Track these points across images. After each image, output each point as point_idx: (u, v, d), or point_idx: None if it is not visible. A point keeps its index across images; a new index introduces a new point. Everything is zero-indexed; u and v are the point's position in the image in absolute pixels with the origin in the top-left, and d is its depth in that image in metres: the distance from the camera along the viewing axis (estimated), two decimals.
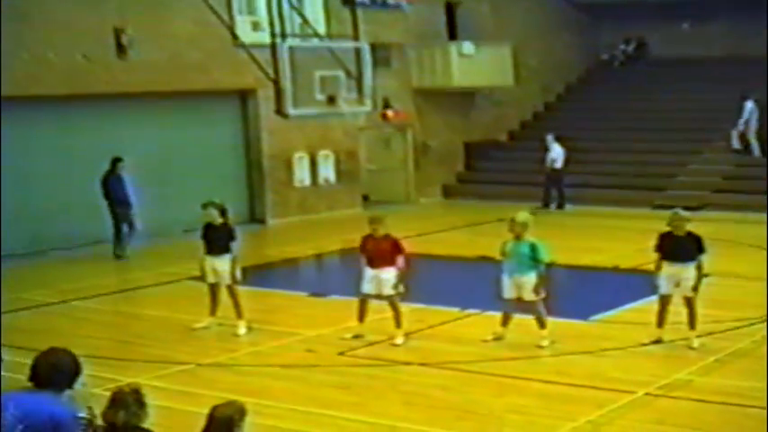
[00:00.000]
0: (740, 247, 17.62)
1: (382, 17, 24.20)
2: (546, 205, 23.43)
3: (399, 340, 11.84)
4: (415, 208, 25.21)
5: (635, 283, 14.22)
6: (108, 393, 5.36)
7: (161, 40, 20.36)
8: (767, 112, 24.28)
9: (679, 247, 11.26)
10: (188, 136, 21.57)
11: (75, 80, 19.19)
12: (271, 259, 18.28)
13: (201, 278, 12.90)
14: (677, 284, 11.32)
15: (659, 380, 10.13)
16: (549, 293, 11.63)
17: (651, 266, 11.84)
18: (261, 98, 21.68)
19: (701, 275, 11.27)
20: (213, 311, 12.83)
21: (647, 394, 9.76)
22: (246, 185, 23.11)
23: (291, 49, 15.91)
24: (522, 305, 11.65)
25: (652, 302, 11.90)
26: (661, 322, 11.48)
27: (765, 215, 19.84)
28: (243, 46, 17.45)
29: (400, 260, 11.79)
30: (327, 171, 24.06)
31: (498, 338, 11.78)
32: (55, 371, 5.34)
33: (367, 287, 11.92)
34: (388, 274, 11.79)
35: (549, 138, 24.05)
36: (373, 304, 12.10)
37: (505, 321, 11.80)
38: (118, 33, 19.71)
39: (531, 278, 11.45)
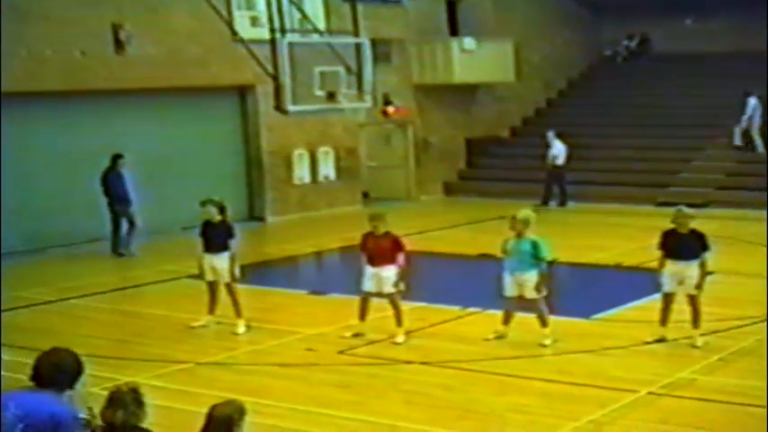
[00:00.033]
0: (744, 245, 17.63)
1: (383, 12, 24.19)
2: (545, 203, 23.42)
3: (400, 339, 11.84)
4: (415, 205, 25.21)
5: (638, 281, 14.23)
6: (106, 392, 5.36)
7: (159, 35, 20.36)
8: None
9: (683, 245, 11.26)
10: (186, 132, 21.55)
11: (73, 76, 19.19)
12: (270, 257, 18.29)
13: (200, 276, 12.90)
14: (681, 282, 11.32)
15: (662, 379, 10.13)
16: (550, 291, 11.64)
17: (654, 264, 11.84)
18: (260, 94, 21.66)
19: (704, 273, 11.27)
20: (212, 310, 12.83)
21: (649, 393, 9.76)
22: (245, 182, 23.11)
23: (291, 44, 15.88)
24: (523, 303, 11.66)
25: (655, 300, 11.90)
26: (664, 320, 11.49)
27: (766, 212, 19.85)
28: (242, 41, 17.42)
29: (401, 258, 11.79)
30: (327, 168, 24.06)
31: (500, 337, 11.78)
32: (57, 371, 5.36)
33: (368, 285, 11.92)
34: (389, 272, 11.79)
35: (551, 134, 24.05)
36: (374, 302, 12.10)
37: (507, 320, 11.80)
38: (116, 29, 19.71)
39: (532, 276, 11.45)
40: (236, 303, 12.62)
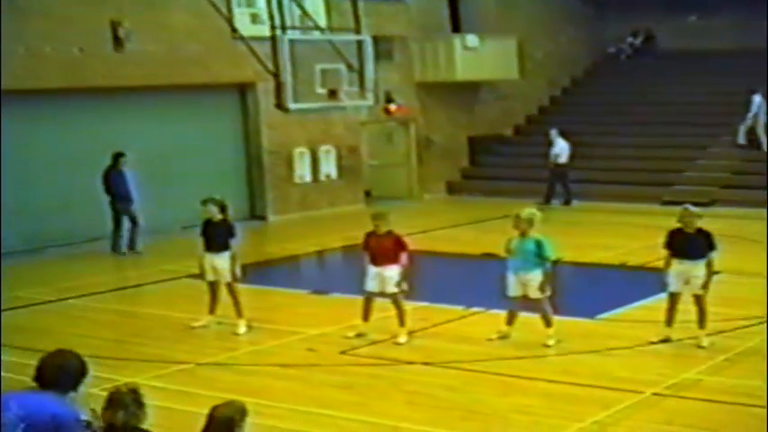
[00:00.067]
0: (750, 244, 17.61)
1: (384, 9, 24.19)
2: (547, 201, 23.39)
3: (402, 339, 11.84)
4: (418, 204, 25.21)
5: (643, 281, 14.24)
6: (105, 393, 5.37)
7: (158, 33, 20.36)
8: None
9: (689, 244, 11.25)
10: (186, 131, 21.56)
11: (72, 74, 19.19)
12: (271, 256, 18.29)
13: (200, 276, 12.90)
14: (687, 282, 11.31)
15: (667, 379, 10.13)
16: (555, 291, 11.63)
17: (659, 263, 11.84)
18: (260, 92, 21.68)
19: (711, 273, 11.26)
20: (212, 310, 12.83)
21: (654, 394, 9.75)
22: (246, 181, 23.11)
23: (291, 41, 15.89)
24: (527, 303, 11.65)
25: (660, 300, 11.90)
26: (670, 320, 11.48)
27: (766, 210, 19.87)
28: (242, 39, 17.43)
29: (403, 257, 11.78)
30: (329, 166, 24.06)
31: (503, 337, 11.78)
32: (60, 372, 5.39)
33: (370, 285, 11.92)
34: (391, 272, 11.79)
35: (553, 132, 24.04)
36: (376, 302, 12.10)
37: (511, 320, 11.80)
38: (114, 26, 19.71)
39: (536, 276, 11.45)
40: (236, 303, 12.62)
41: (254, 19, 20.25)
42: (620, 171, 25.02)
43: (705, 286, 11.23)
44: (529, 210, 11.84)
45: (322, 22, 20.56)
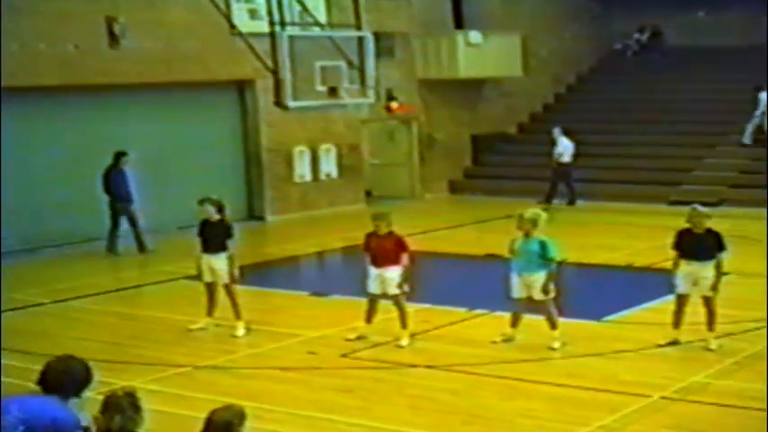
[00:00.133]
0: (759, 245, 17.57)
1: (385, 5, 24.18)
2: (549, 200, 23.35)
3: (405, 341, 11.84)
4: (420, 204, 25.22)
5: (650, 282, 14.25)
6: (102, 397, 5.37)
7: (154, 29, 20.36)
8: None
9: (698, 245, 11.25)
10: (183, 129, 21.57)
11: (67, 71, 19.19)
12: (270, 257, 18.29)
13: (198, 277, 12.91)
14: (695, 283, 11.31)
15: (675, 383, 10.13)
16: (560, 293, 11.63)
17: (666, 264, 11.86)
18: (259, 89, 21.67)
19: (720, 274, 11.26)
20: (210, 312, 12.83)
21: (662, 398, 9.76)
22: (245, 180, 23.11)
23: (291, 38, 15.88)
24: (532, 305, 11.66)
25: (668, 302, 11.90)
26: (677, 323, 11.48)
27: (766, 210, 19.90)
28: (240, 35, 17.42)
29: (405, 258, 11.78)
30: (329, 165, 24.06)
31: (507, 340, 11.78)
32: (65, 377, 5.44)
33: (372, 287, 11.92)
34: (393, 273, 11.78)
35: (557, 131, 24.03)
36: (378, 304, 12.10)
37: (515, 322, 11.80)
38: (110, 22, 19.71)
39: (540, 277, 11.45)
40: (235, 305, 12.62)
41: (253, 15, 20.26)
42: (626, 170, 25.02)
43: (715, 288, 11.23)
44: (533, 210, 11.86)
45: (322, 18, 20.59)
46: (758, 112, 24.41)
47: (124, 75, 19.84)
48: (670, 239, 11.62)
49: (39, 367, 5.62)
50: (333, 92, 16.43)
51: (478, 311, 13.24)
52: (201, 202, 12.75)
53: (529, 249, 11.46)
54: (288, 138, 23.15)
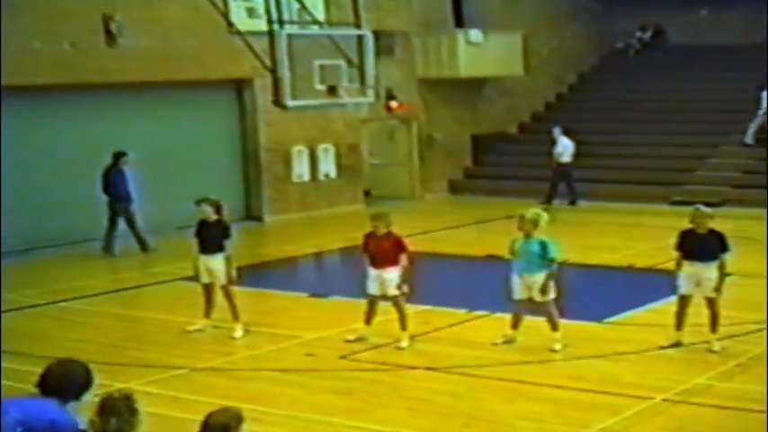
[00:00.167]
0: (762, 245, 17.57)
1: (385, 3, 24.19)
2: (549, 201, 23.35)
3: (404, 343, 11.84)
4: (420, 204, 25.22)
5: (652, 283, 14.25)
6: (98, 399, 5.37)
7: (152, 27, 20.35)
8: None
9: (701, 246, 11.26)
10: (181, 128, 21.57)
11: (63, 69, 19.18)
12: (268, 258, 18.29)
13: (195, 278, 12.90)
14: (698, 284, 11.31)
15: (678, 385, 10.13)
16: (560, 294, 11.62)
17: (668, 265, 11.86)
18: (257, 88, 21.67)
19: (723, 275, 11.26)
20: (208, 313, 12.83)
21: (664, 400, 9.76)
22: (242, 180, 23.11)
23: (289, 36, 15.89)
24: (532, 306, 11.65)
25: (670, 303, 11.90)
26: (680, 324, 11.48)
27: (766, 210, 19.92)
28: (238, 33, 17.43)
29: (403, 259, 11.78)
30: (328, 165, 24.05)
31: (508, 341, 11.78)
32: (65, 380, 5.46)
33: (371, 288, 11.93)
34: (391, 274, 11.78)
35: (556, 131, 24.03)
36: (378, 305, 12.10)
37: (516, 323, 11.80)
38: (106, 20, 19.71)
39: (541, 278, 11.45)
40: (233, 306, 12.62)
41: (251, 13, 20.25)
42: (628, 170, 25.01)
43: (718, 289, 11.23)
44: (534, 210, 11.86)
45: (321, 17, 20.60)
46: (761, 112, 24.41)
47: (121, 73, 19.83)
48: (672, 240, 11.62)
49: (35, 369, 5.62)
50: (332, 91, 16.44)
51: (479, 313, 13.24)
52: (199, 202, 12.75)
53: (529, 250, 11.46)
54: (286, 137, 23.15)
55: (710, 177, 24.10)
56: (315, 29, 18.51)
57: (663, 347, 11.43)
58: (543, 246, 11.43)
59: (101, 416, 5.23)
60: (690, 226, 11.44)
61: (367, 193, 25.16)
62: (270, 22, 15.94)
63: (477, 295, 14.05)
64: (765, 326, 12.01)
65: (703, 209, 11.52)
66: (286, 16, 16.52)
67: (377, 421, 9.43)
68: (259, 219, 22.93)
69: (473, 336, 12.30)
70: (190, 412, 8.49)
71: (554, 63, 29.25)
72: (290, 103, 15.99)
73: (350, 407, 9.87)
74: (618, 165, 25.35)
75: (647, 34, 30.80)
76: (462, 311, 13.33)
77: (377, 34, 18.99)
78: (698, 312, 11.47)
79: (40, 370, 5.62)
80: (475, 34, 25.90)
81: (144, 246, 18.58)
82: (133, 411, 5.28)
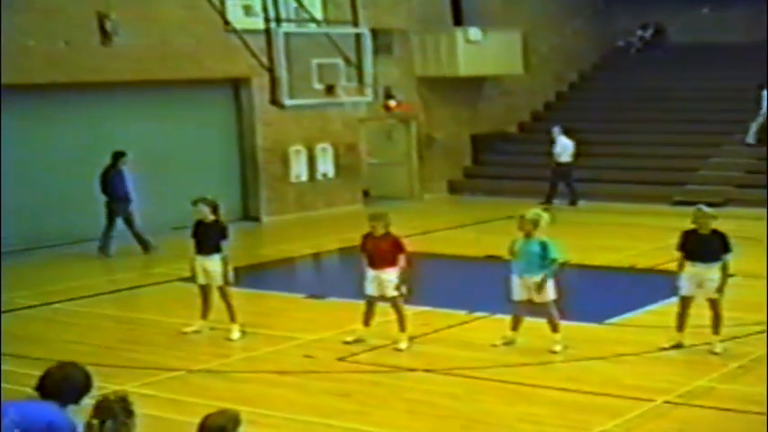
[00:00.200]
0: (764, 246, 17.59)
1: (383, 1, 24.21)
2: (549, 201, 23.35)
3: (403, 345, 11.84)
4: (419, 204, 25.23)
5: (653, 284, 14.25)
6: (93, 401, 5.37)
7: (147, 25, 20.34)
8: None
9: (703, 246, 11.26)
10: (177, 128, 21.56)
11: (57, 68, 19.18)
12: (266, 259, 18.29)
13: (192, 279, 12.90)
14: (700, 285, 11.32)
15: (679, 387, 10.14)
16: (561, 295, 11.63)
17: (669, 266, 11.88)
18: (255, 87, 21.68)
19: (726, 276, 11.27)
20: (205, 314, 12.83)
21: (666, 402, 9.76)
22: (240, 180, 23.11)
23: (287, 35, 15.90)
24: (533, 307, 11.66)
25: (671, 304, 11.91)
26: (681, 326, 11.49)
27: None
28: (235, 32, 17.45)
29: (401, 259, 11.78)
30: (326, 165, 24.06)
31: (508, 343, 11.78)
32: (64, 383, 5.48)
33: (369, 289, 11.93)
34: (390, 275, 11.78)
35: (556, 130, 24.04)
36: (376, 306, 12.11)
37: (516, 325, 11.81)
38: (101, 18, 19.67)
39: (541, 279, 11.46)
40: (229, 308, 12.62)
41: (248, 11, 20.21)
42: (629, 170, 25.03)
43: (720, 290, 11.24)
44: (534, 210, 11.86)
45: (318, 15, 20.61)
46: (762, 111, 24.42)
47: (116, 72, 19.82)
48: (674, 240, 11.63)
49: (32, 372, 5.63)
50: (330, 90, 16.46)
51: (478, 314, 13.24)
52: (195, 202, 12.75)
53: (530, 251, 11.47)
54: (284, 137, 23.16)
55: (712, 177, 24.11)
56: (312, 27, 18.52)
57: (664, 349, 11.44)
58: (544, 246, 11.44)
59: (97, 418, 5.24)
60: (692, 226, 11.44)
61: (365, 194, 25.16)
62: (267, 20, 15.96)
63: (477, 296, 14.05)
64: (767, 327, 12.02)
65: (705, 209, 11.53)
66: (283, 14, 16.54)
67: (375, 423, 9.44)
68: (256, 219, 22.94)
69: (472, 337, 12.30)
70: (186, 414, 8.50)
71: (554, 61, 29.26)
72: (287, 102, 16.02)
73: (348, 409, 9.88)
74: (619, 164, 25.37)
75: (648, 32, 30.81)
76: (462, 313, 13.33)
77: (375, 32, 19.02)
78: (699, 314, 11.48)
79: (36, 372, 5.64)
80: (474, 32, 25.91)
81: (145, 246, 18.57)
82: (129, 413, 5.29)
